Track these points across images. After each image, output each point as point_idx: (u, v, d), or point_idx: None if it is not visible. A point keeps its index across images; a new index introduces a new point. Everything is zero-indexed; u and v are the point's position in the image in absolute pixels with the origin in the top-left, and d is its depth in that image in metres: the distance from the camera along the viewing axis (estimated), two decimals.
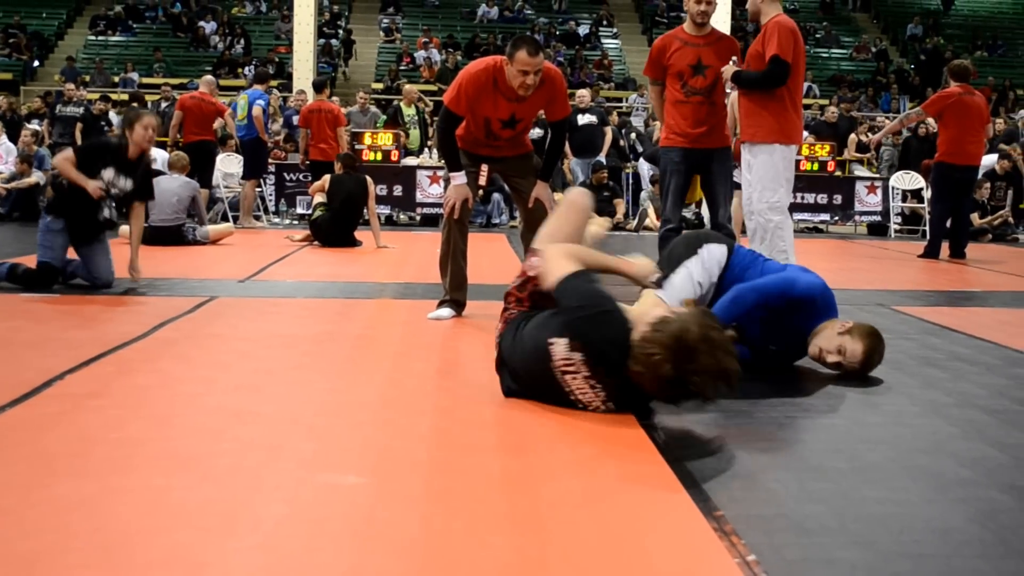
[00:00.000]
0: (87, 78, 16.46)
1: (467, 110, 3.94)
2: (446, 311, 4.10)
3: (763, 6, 4.82)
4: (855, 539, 1.76)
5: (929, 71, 19.86)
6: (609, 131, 11.11)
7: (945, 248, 7.73)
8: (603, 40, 21.00)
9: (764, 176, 4.75)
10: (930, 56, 20.38)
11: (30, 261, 5.75)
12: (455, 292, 4.15)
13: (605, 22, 21.64)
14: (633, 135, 12.55)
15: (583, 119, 10.63)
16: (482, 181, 4.20)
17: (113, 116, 12.10)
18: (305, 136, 9.60)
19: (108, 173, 4.70)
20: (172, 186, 7.41)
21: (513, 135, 4.10)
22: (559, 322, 2.52)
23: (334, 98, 11.89)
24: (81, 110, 11.65)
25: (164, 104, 12.26)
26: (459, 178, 4.02)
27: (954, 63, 8.02)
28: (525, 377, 2.64)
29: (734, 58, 4.85)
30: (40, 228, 4.83)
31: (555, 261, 2.64)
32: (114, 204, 4.79)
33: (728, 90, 4.99)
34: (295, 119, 10.93)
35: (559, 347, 2.51)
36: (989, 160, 10.66)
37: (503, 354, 2.72)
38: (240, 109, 9.56)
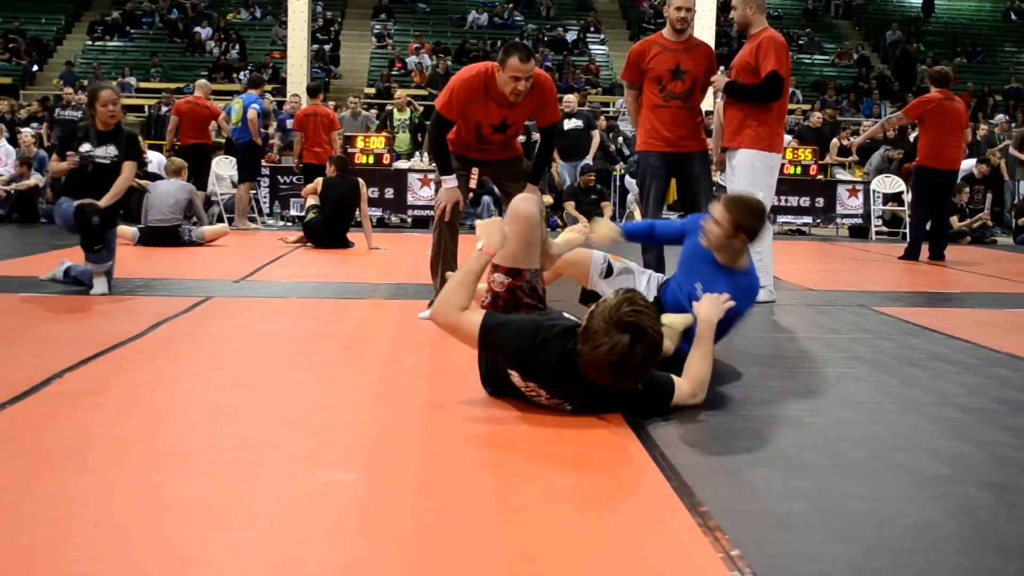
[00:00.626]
0: (85, 83, 16.50)
1: (458, 115, 3.97)
2: None
3: (753, 17, 4.88)
4: (837, 534, 1.80)
5: (902, 73, 20.18)
6: (596, 135, 11.21)
7: (925, 250, 7.84)
8: (590, 46, 21.10)
9: (742, 180, 4.82)
10: (902, 60, 20.70)
11: (31, 261, 5.80)
12: None
13: (592, 28, 21.74)
14: (620, 139, 12.64)
15: (569, 123, 10.73)
16: (472, 184, 4.23)
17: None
18: (299, 140, 9.67)
19: (85, 146, 4.85)
20: (169, 189, 7.53)
21: (503, 139, 4.14)
22: (505, 360, 2.60)
23: (328, 102, 11.95)
24: (79, 114, 11.94)
25: (164, 109, 12.36)
26: (450, 181, 4.06)
27: (934, 69, 8.12)
28: (507, 392, 2.71)
29: (722, 68, 4.92)
30: (55, 208, 4.96)
31: (455, 321, 2.57)
32: (99, 161, 4.85)
33: (717, 99, 5.05)
34: (289, 123, 10.99)
35: (516, 378, 2.60)
36: (968, 164, 10.80)
37: (483, 371, 2.78)
38: (235, 113, 9.61)
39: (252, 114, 9.42)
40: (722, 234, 3.11)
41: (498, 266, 2.81)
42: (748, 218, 3.11)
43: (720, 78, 4.82)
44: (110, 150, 4.89)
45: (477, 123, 4.00)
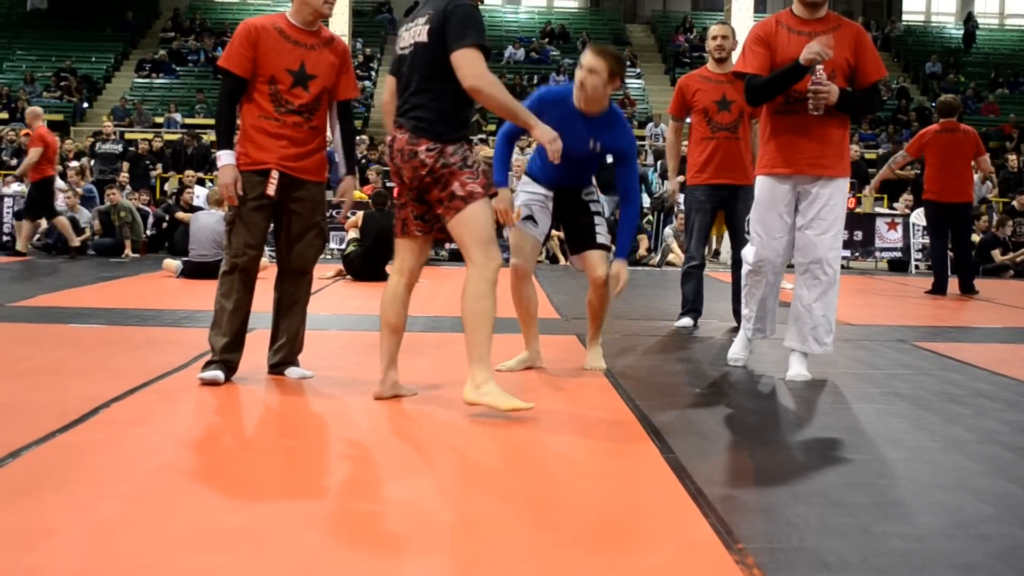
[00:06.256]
0: (131, 119, 17.16)
1: (250, 64, 3.39)
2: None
3: None
4: (876, 574, 1.78)
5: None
6: None
7: (955, 285, 7.72)
8: (627, 79, 21.27)
9: (840, 215, 3.70)
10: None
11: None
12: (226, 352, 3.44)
13: (629, 62, 21.93)
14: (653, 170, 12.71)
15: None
16: (270, 190, 3.43)
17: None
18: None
19: None
20: (210, 222, 7.66)
21: (308, 105, 3.41)
22: None
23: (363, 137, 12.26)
24: (119, 148, 12.48)
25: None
26: (226, 157, 3.39)
27: (942, 98, 7.99)
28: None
29: (819, 68, 3.64)
30: None
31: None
32: None
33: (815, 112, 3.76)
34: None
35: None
36: None
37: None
38: None
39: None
40: (600, 83, 3.43)
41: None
42: (620, 64, 3.50)
43: (832, 87, 3.53)
44: None
45: (273, 76, 3.38)
